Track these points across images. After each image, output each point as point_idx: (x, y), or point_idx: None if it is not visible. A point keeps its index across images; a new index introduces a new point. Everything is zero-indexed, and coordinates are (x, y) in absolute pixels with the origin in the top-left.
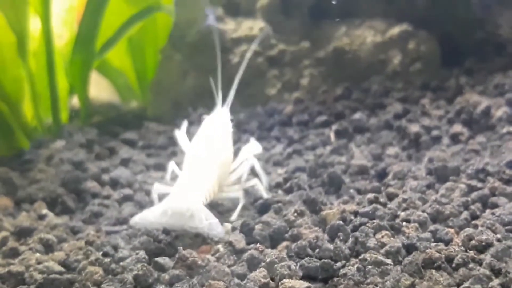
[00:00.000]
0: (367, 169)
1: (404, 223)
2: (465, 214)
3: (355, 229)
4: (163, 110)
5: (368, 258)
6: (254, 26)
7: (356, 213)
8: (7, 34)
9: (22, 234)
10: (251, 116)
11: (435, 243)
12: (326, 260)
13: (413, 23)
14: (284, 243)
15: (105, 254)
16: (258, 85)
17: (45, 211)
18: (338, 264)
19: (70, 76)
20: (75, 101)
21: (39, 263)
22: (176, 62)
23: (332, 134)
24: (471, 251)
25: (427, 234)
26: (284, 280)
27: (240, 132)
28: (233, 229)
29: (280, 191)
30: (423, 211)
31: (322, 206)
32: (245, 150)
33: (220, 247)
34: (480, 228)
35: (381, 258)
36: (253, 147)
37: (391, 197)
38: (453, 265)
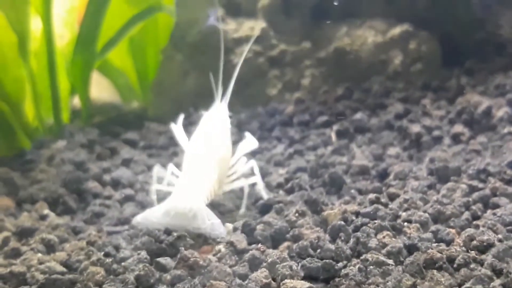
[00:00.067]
0: (368, 170)
1: (405, 224)
2: (466, 215)
3: (356, 229)
4: (164, 110)
5: (370, 259)
6: (255, 26)
7: (357, 214)
8: (8, 34)
9: (24, 234)
10: (252, 116)
11: (436, 244)
12: (327, 261)
13: (414, 23)
14: (286, 244)
15: (107, 255)
16: (259, 85)
17: (46, 211)
18: (340, 264)
19: (71, 76)
20: (76, 101)
21: (40, 263)
22: (177, 62)
23: (333, 134)
24: (473, 252)
25: (428, 235)
26: (286, 280)
27: (241, 132)
28: (235, 229)
29: (281, 192)
30: (425, 211)
31: (323, 207)
32: (242, 146)
33: (221, 247)
34: (481, 228)
35: (382, 258)
36: (249, 143)
37: (392, 197)
38: (455, 265)
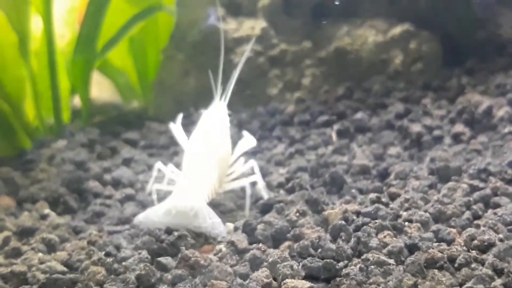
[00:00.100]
0: (369, 169)
1: (406, 223)
2: (467, 214)
3: (357, 229)
4: (165, 110)
5: (371, 258)
6: (256, 26)
7: (358, 213)
8: (9, 34)
9: (24, 234)
10: (252, 116)
11: (437, 243)
12: (328, 260)
13: (414, 23)
14: (287, 243)
15: (108, 254)
16: (260, 85)
17: (47, 211)
18: (341, 264)
19: (72, 76)
20: (77, 101)
21: (41, 263)
22: (178, 62)
23: (334, 134)
24: (474, 251)
25: (429, 234)
26: (287, 280)
27: (242, 132)
28: (236, 229)
29: (282, 191)
30: (425, 211)
31: (324, 206)
32: (240, 145)
33: (222, 247)
34: (482, 228)
35: (383, 258)
36: (247, 141)
37: (393, 197)
38: (456, 265)
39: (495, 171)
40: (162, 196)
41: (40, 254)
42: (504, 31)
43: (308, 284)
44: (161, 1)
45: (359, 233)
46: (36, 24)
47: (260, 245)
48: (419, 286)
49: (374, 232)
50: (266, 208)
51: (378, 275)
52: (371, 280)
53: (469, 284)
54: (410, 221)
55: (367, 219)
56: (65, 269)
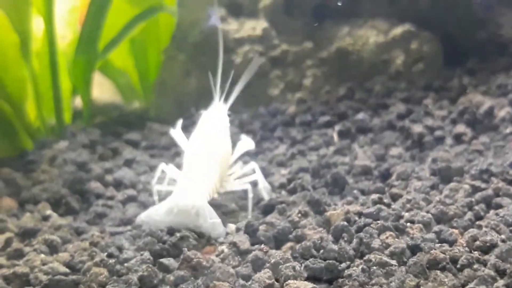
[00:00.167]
0: (371, 170)
1: (408, 224)
2: (469, 215)
3: (359, 230)
4: (166, 111)
5: (373, 259)
6: (257, 26)
7: (360, 214)
8: (10, 35)
9: (27, 235)
10: (254, 116)
11: (439, 244)
12: (330, 261)
13: (415, 24)
14: (289, 244)
15: (110, 255)
16: (261, 86)
17: (49, 212)
18: (343, 265)
19: (73, 76)
20: (78, 101)
21: (44, 264)
22: (179, 63)
23: (335, 134)
24: (476, 252)
25: (431, 235)
26: (289, 281)
27: (243, 133)
28: (238, 230)
29: (283, 192)
30: (427, 211)
31: (326, 207)
32: (239, 147)
33: (224, 248)
34: (484, 228)
35: (385, 259)
36: (245, 143)
37: (395, 197)
38: (458, 266)
39: (497, 171)
40: (163, 197)
41: (42, 255)
42: (505, 31)
43: (311, 285)
44: (162, 2)
45: (361, 234)
46: (37, 25)
47: (262, 246)
48: (421, 287)
49: (376, 233)
50: (268, 209)
51: (380, 276)
52: (373, 281)
53: (471, 285)
54: (412, 222)
55: (369, 220)
56: (67, 270)
